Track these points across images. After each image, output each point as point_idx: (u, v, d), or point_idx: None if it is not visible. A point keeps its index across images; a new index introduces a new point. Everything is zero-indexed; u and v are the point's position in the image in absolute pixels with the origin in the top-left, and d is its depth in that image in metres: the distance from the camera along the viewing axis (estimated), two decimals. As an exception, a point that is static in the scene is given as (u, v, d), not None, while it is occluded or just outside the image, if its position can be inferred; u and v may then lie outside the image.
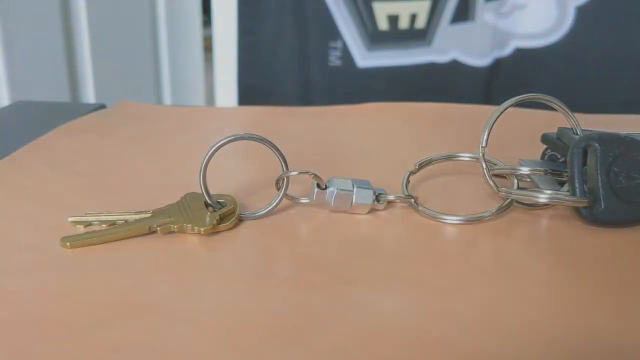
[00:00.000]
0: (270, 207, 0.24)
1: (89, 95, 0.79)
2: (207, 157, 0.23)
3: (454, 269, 0.20)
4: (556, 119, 0.27)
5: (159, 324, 0.17)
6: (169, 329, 0.17)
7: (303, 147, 0.33)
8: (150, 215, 0.23)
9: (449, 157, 0.28)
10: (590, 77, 0.69)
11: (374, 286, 0.19)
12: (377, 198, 0.24)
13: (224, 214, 0.23)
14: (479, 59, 0.71)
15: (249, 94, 0.77)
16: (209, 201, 0.23)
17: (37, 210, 0.24)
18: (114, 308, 0.18)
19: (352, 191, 0.24)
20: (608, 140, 0.23)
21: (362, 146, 0.34)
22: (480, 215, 0.23)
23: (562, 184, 0.25)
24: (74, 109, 0.42)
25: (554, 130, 0.26)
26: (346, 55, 0.73)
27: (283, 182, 0.24)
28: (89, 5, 0.76)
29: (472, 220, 0.23)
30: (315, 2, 0.71)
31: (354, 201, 0.24)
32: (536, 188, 0.25)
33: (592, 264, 0.20)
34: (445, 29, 0.71)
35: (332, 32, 0.72)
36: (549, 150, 0.27)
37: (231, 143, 0.23)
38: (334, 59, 0.73)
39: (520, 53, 0.70)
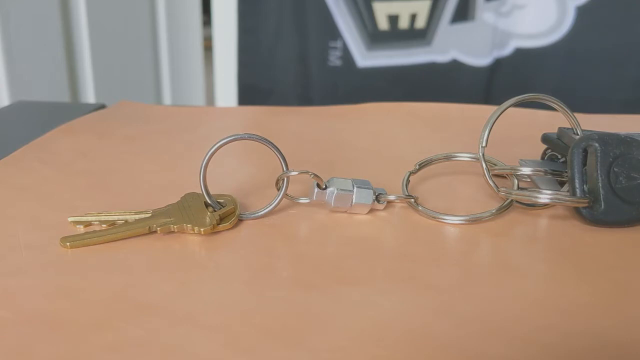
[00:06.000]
0: (270, 207, 0.24)
1: (89, 95, 0.79)
2: (207, 157, 0.23)
3: (454, 269, 0.20)
4: (556, 119, 0.27)
5: (159, 324, 0.17)
6: (169, 329, 0.17)
7: (303, 147, 0.33)
8: (150, 215, 0.23)
9: (449, 157, 0.28)
10: (590, 76, 0.69)
11: (374, 286, 0.19)
12: (377, 198, 0.24)
13: (224, 214, 0.23)
14: (479, 59, 0.71)
15: (249, 94, 0.77)
16: (209, 201, 0.23)
17: (37, 210, 0.24)
18: (114, 308, 0.18)
19: (352, 191, 0.24)
20: (608, 141, 0.23)
21: (362, 146, 0.34)
22: (480, 215, 0.23)
23: (562, 184, 0.25)
24: (74, 109, 0.42)
25: (554, 130, 0.26)
26: (346, 55, 0.73)
27: (283, 182, 0.24)
28: (89, 5, 0.76)
29: (472, 220, 0.23)
30: (315, 2, 0.72)
31: (354, 201, 0.24)
32: (536, 188, 0.25)
33: (592, 263, 0.20)
34: (445, 28, 0.71)
35: (332, 32, 0.72)
36: (549, 150, 0.27)
37: (231, 143, 0.23)
38: (334, 59, 0.73)
39: (520, 53, 0.70)
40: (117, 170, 0.29)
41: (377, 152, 0.33)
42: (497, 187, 0.24)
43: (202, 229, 0.22)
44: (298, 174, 0.24)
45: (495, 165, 0.26)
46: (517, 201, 0.24)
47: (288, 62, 0.75)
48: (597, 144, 0.23)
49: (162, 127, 0.37)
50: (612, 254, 0.21)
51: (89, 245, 0.21)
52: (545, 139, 0.27)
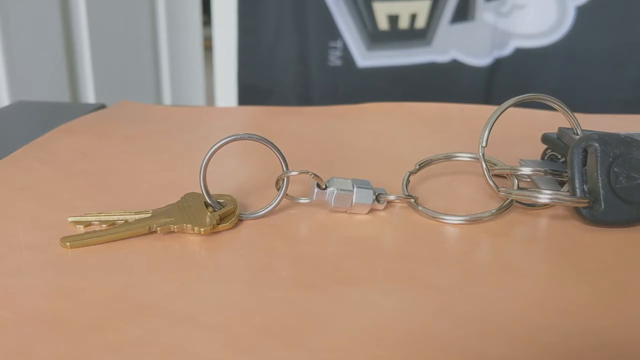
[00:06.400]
0: (270, 207, 0.24)
1: (89, 95, 0.79)
2: (207, 157, 0.23)
3: (453, 269, 0.20)
4: (556, 119, 0.27)
5: (159, 324, 0.17)
6: (169, 329, 0.17)
7: (303, 147, 0.33)
8: (150, 215, 0.23)
9: (449, 157, 0.28)
10: (590, 76, 0.69)
11: (374, 286, 0.19)
12: (377, 198, 0.24)
13: (224, 214, 0.23)
14: (479, 59, 0.71)
15: (249, 94, 0.77)
16: (209, 201, 0.23)
17: (37, 210, 0.24)
18: (114, 308, 0.18)
19: (352, 191, 0.24)
20: (608, 141, 0.23)
21: (362, 146, 0.34)
22: (480, 215, 0.23)
23: (562, 184, 0.25)
24: (74, 109, 0.42)
25: (554, 130, 0.26)
26: (346, 55, 0.73)
27: (283, 182, 0.24)
28: (89, 5, 0.76)
29: (472, 220, 0.23)
30: (315, 2, 0.72)
31: (354, 201, 0.24)
32: (536, 188, 0.25)
33: (592, 263, 0.20)
34: (445, 28, 0.71)
35: (332, 32, 0.72)
36: (549, 150, 0.27)
37: (231, 143, 0.23)
38: (334, 59, 0.73)
39: (520, 53, 0.70)
40: (117, 170, 0.29)
41: (377, 152, 0.33)
42: (497, 187, 0.24)
43: (202, 229, 0.22)
44: (298, 174, 0.24)
45: (495, 165, 0.26)
46: (517, 201, 0.24)
47: (288, 62, 0.75)
48: (597, 144, 0.23)
49: (162, 127, 0.37)
50: (612, 254, 0.21)
51: (89, 245, 0.21)
52: (545, 139, 0.27)
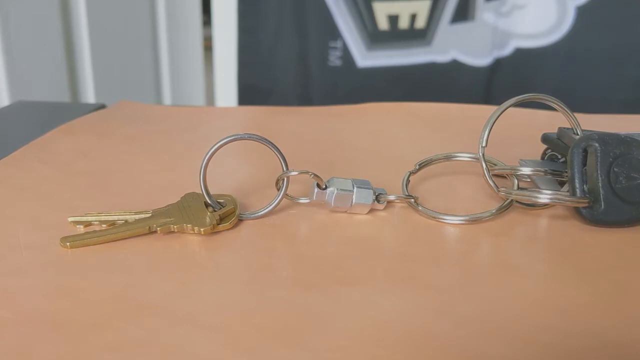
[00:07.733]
0: (270, 207, 0.24)
1: (89, 95, 0.79)
2: (207, 157, 0.23)
3: (454, 269, 0.20)
4: (556, 119, 0.27)
5: (159, 324, 0.17)
6: (169, 329, 0.17)
7: (303, 147, 0.33)
8: (150, 215, 0.23)
9: (449, 157, 0.28)
10: (590, 76, 0.69)
11: (374, 286, 0.19)
12: (377, 198, 0.24)
13: (224, 214, 0.23)
14: (479, 59, 0.71)
15: (249, 94, 0.77)
16: (209, 201, 0.23)
17: (37, 210, 0.24)
18: (114, 308, 0.18)
19: (352, 191, 0.24)
20: (608, 141, 0.23)
21: (362, 146, 0.34)
22: (480, 215, 0.23)
23: (562, 184, 0.25)
24: (74, 109, 0.42)
25: (554, 130, 0.26)
26: (346, 55, 0.73)
27: (283, 182, 0.24)
28: (89, 5, 0.76)
29: (472, 220, 0.23)
30: (315, 2, 0.72)
31: (354, 201, 0.24)
32: (536, 188, 0.25)
33: (592, 263, 0.20)
34: (445, 28, 0.71)
35: (332, 32, 0.72)
36: (549, 150, 0.27)
37: (231, 143, 0.23)
38: (334, 59, 0.73)
39: (520, 53, 0.70)
40: (117, 170, 0.29)
41: (377, 152, 0.33)
42: (497, 187, 0.24)
43: (202, 229, 0.22)
44: (298, 174, 0.24)
45: (495, 165, 0.26)
46: (517, 201, 0.24)
47: (288, 62, 0.75)
48: (597, 144, 0.23)
49: (162, 127, 0.37)
50: (612, 254, 0.21)
51: (89, 245, 0.21)
52: (545, 139, 0.27)
